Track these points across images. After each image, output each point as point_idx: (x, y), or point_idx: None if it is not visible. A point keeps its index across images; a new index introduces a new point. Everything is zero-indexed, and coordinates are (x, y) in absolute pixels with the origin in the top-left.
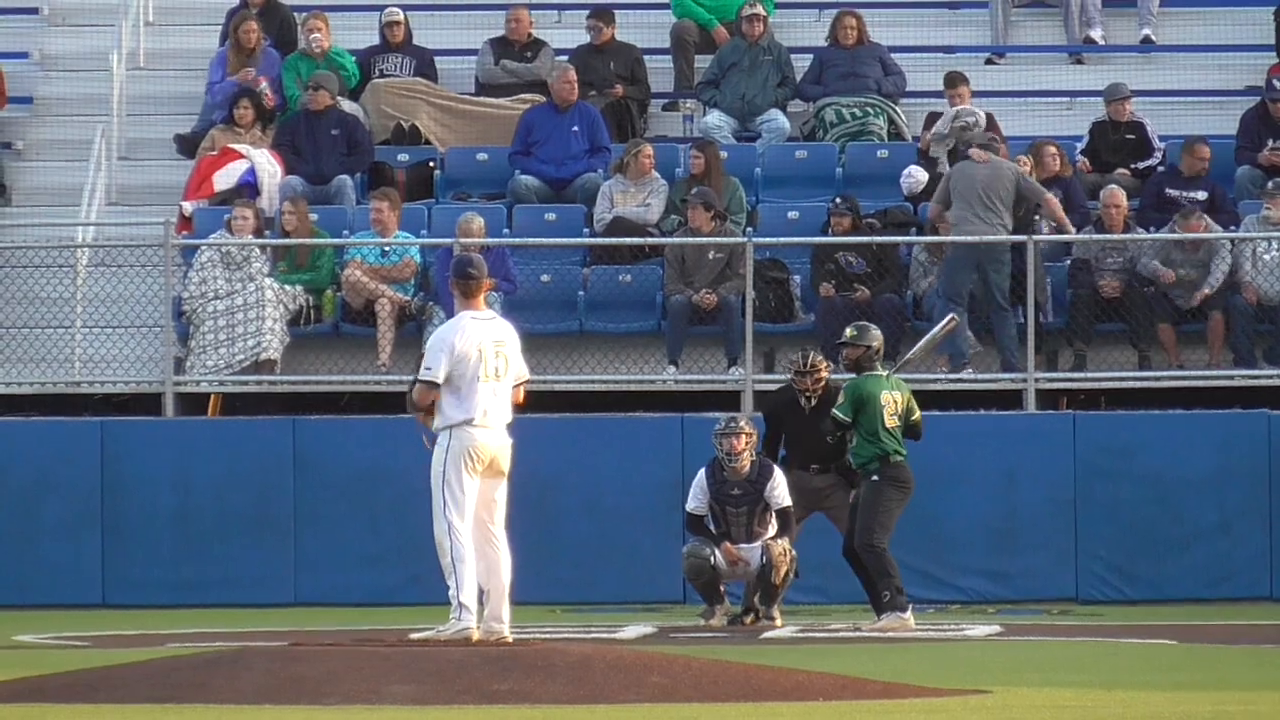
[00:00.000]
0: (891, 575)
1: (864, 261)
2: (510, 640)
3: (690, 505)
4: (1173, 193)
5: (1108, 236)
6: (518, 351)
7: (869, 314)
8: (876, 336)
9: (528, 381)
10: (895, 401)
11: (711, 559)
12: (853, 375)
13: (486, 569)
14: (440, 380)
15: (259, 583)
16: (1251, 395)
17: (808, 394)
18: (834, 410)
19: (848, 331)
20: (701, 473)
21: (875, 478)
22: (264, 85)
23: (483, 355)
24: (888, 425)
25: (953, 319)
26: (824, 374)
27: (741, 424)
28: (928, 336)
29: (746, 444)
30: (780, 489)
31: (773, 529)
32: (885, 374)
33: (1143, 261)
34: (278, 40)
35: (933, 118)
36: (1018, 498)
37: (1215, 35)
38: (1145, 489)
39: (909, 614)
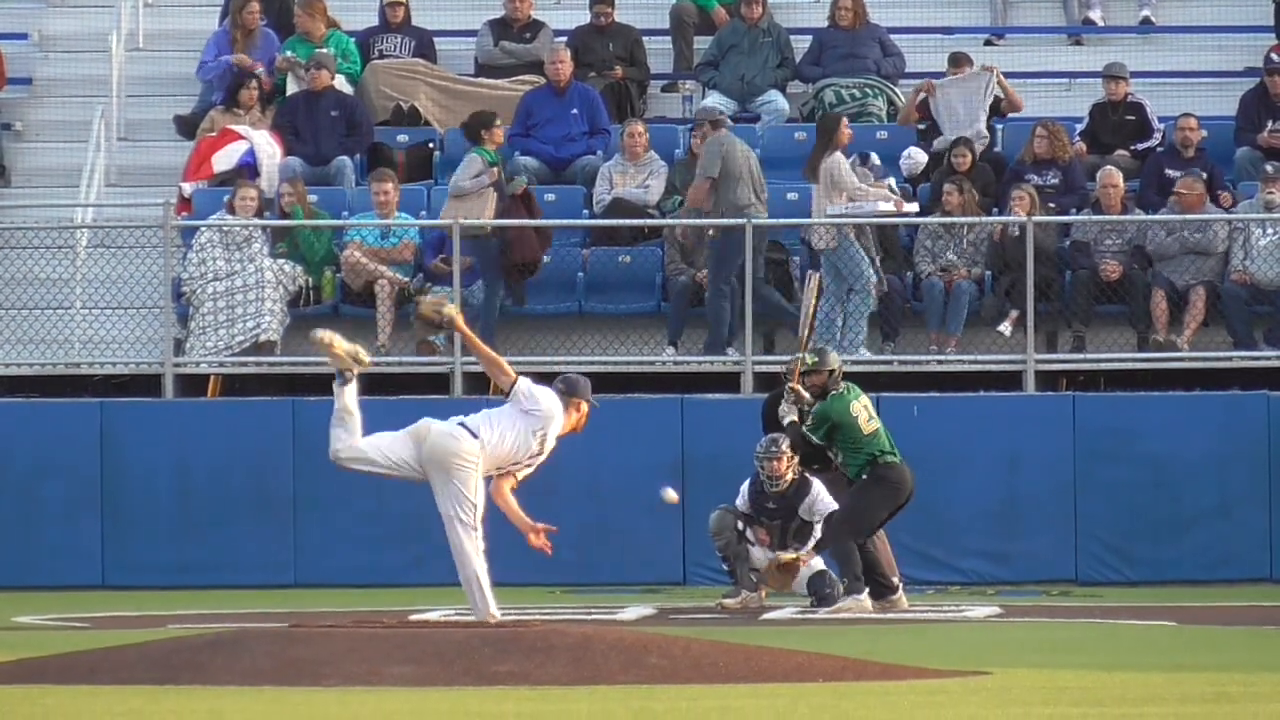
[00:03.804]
0: (851, 564)
1: None
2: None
3: (738, 503)
4: (1172, 173)
5: (1104, 218)
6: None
7: None
8: (834, 358)
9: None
10: (866, 407)
11: (740, 524)
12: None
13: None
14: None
15: (258, 564)
16: (1251, 376)
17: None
18: (805, 429)
19: (808, 359)
20: (748, 482)
21: (865, 477)
22: (260, 70)
23: (524, 463)
24: (866, 432)
25: (813, 274)
26: (823, 374)
27: (783, 446)
28: (804, 305)
29: (788, 466)
30: (820, 503)
31: (814, 539)
32: (844, 389)
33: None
34: (276, 23)
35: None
36: (1017, 479)
37: (1215, 16)
38: (1145, 470)
39: (865, 596)
